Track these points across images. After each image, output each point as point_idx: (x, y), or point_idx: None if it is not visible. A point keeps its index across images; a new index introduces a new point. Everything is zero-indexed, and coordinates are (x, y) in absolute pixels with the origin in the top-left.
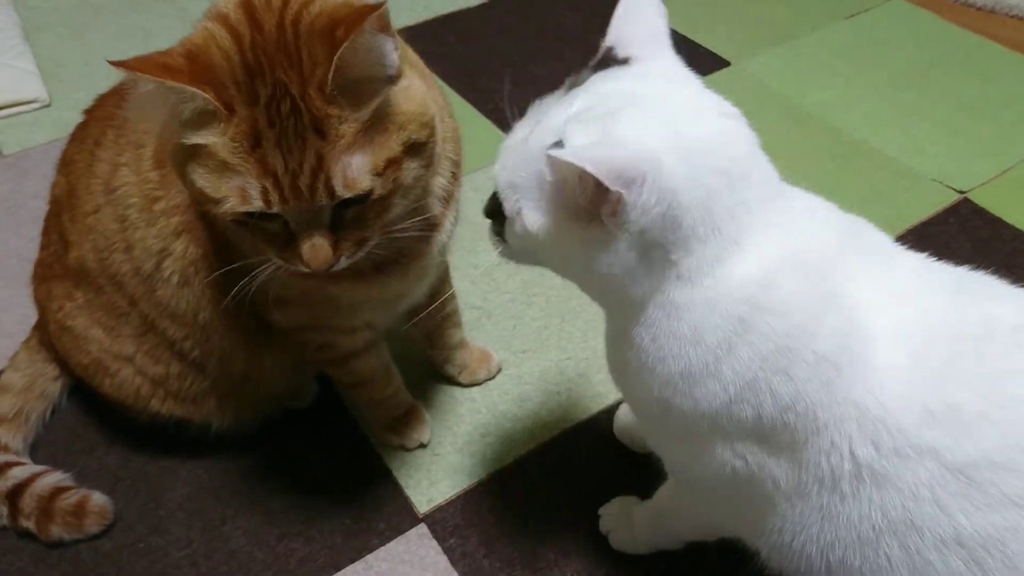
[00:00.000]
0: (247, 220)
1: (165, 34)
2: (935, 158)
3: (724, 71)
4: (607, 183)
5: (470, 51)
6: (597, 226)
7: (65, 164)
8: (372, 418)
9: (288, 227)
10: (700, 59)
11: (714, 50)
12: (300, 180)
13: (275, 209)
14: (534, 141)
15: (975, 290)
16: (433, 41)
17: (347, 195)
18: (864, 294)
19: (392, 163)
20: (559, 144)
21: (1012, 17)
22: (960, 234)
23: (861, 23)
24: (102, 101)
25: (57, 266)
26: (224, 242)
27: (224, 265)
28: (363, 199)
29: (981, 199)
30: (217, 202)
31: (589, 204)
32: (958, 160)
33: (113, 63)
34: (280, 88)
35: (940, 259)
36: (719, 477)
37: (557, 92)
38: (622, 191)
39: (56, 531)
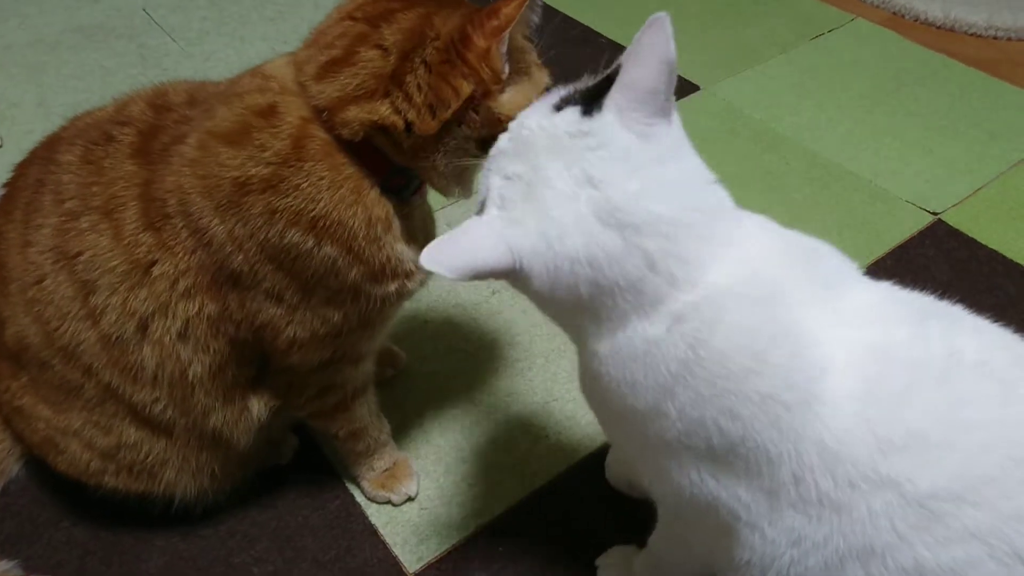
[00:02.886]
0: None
1: (123, 71)
2: (909, 179)
3: (694, 95)
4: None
5: None
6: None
7: None
8: (360, 474)
9: None
10: None
11: (683, 75)
12: None
13: None
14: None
15: (941, 322)
16: None
17: None
18: (817, 324)
19: None
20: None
21: (971, 35)
22: (938, 256)
23: (827, 44)
24: (23, 169)
25: None
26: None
27: (245, 318)
28: None
29: (955, 220)
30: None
31: None
32: (931, 181)
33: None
34: None
35: (920, 282)
36: (685, 501)
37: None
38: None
39: None
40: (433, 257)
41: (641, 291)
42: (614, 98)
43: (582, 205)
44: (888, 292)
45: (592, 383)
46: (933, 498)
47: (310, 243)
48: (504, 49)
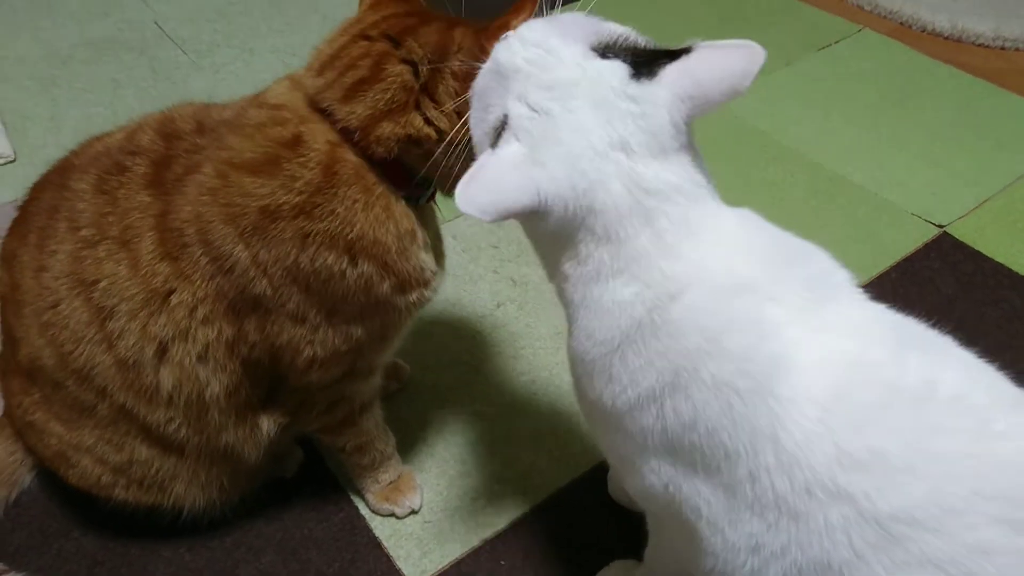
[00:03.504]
0: None
1: (135, 85)
2: (914, 191)
3: None
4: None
5: None
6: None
7: (6, 259)
8: (365, 487)
9: None
10: None
11: None
12: None
13: None
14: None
15: (925, 351)
16: None
17: None
18: (787, 323)
19: None
20: (504, 120)
21: (979, 45)
22: (943, 269)
23: (833, 55)
24: (37, 192)
25: (11, 362)
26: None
27: (263, 340)
28: None
29: (961, 233)
30: None
31: None
32: (936, 193)
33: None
34: None
35: (925, 295)
36: (652, 496)
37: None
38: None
39: None
40: (470, 200)
41: (627, 248)
42: (675, 81)
43: (611, 166)
44: (877, 312)
45: (568, 345)
46: (892, 520)
47: (344, 263)
48: None
